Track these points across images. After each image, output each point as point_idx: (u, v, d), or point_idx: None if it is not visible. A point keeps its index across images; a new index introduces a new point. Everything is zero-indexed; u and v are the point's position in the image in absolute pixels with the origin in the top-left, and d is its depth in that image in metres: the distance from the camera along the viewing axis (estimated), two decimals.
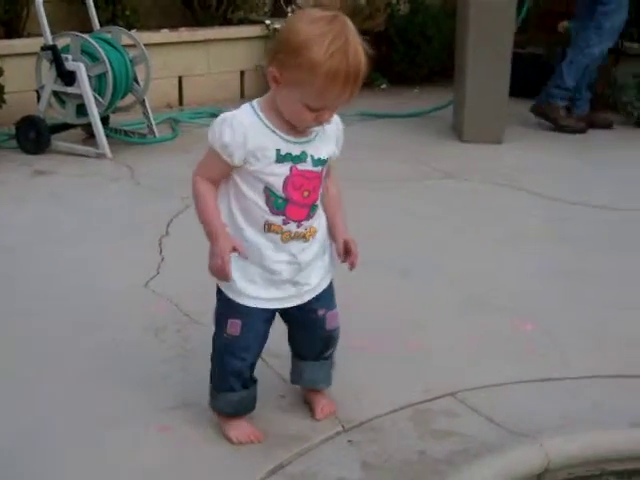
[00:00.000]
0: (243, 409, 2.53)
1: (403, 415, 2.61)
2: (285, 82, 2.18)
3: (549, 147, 5.91)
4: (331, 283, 2.52)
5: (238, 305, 2.39)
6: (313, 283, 2.45)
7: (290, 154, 2.28)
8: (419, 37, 7.48)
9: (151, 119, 5.82)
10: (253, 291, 2.39)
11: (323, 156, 2.34)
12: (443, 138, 6.08)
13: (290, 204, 2.32)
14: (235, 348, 2.43)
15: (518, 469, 2.41)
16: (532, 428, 2.55)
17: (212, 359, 2.52)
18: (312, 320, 2.50)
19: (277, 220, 2.33)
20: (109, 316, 3.27)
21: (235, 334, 2.41)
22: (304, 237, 2.38)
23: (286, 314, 2.49)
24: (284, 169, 2.28)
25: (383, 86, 7.47)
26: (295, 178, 2.30)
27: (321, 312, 2.50)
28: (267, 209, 2.31)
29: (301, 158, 2.30)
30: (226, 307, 2.43)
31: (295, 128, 2.28)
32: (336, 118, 2.36)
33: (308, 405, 2.66)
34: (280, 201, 2.31)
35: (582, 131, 6.25)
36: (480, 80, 5.82)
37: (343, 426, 2.57)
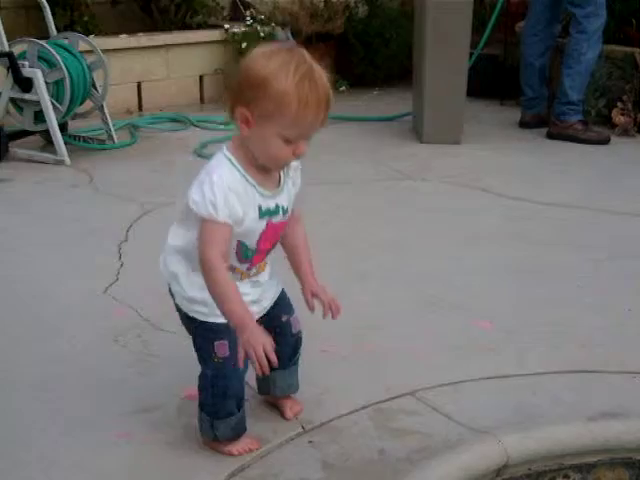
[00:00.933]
0: (242, 429, 2.47)
1: (363, 415, 2.62)
2: (257, 120, 2.17)
3: (507, 147, 5.95)
4: (283, 290, 2.55)
5: (220, 325, 2.34)
6: (269, 297, 2.50)
7: (268, 209, 2.30)
8: (378, 39, 7.51)
9: (110, 125, 5.80)
10: None
11: (288, 204, 2.37)
12: (402, 139, 6.11)
13: (257, 254, 2.35)
14: (229, 369, 2.37)
15: (477, 465, 2.43)
16: (491, 425, 2.57)
17: (204, 392, 2.43)
18: (279, 327, 2.50)
19: (242, 267, 2.36)
20: (68, 322, 3.25)
21: (225, 355, 2.35)
22: (261, 268, 2.43)
23: None
24: (262, 224, 2.30)
25: (342, 88, 7.49)
26: (269, 231, 2.32)
27: (284, 318, 2.53)
28: (235, 258, 2.32)
29: (276, 212, 2.33)
30: (208, 334, 2.37)
31: (267, 175, 2.29)
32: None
33: (274, 407, 2.66)
34: (250, 252, 2.33)
35: (606, 141, 6.06)
36: (438, 81, 5.84)
37: (303, 427, 2.58)
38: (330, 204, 4.58)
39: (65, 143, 5.45)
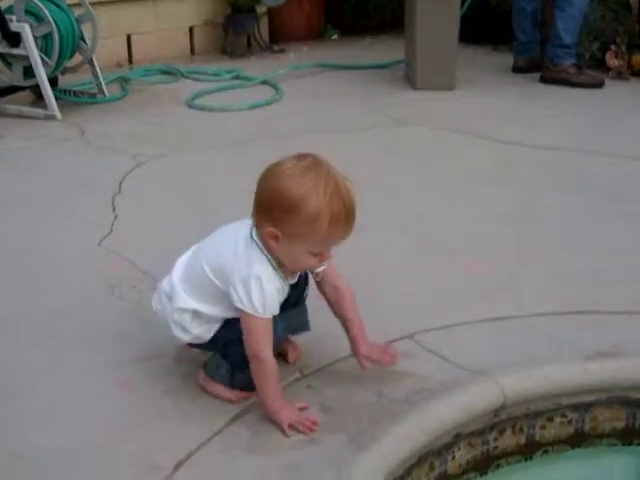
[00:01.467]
0: None
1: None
2: (285, 238, 2.22)
3: (501, 92, 5.91)
4: None
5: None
6: None
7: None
8: None
9: (100, 79, 5.75)
10: None
11: None
12: (395, 87, 6.06)
13: None
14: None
15: (475, 406, 2.44)
16: (488, 366, 2.58)
17: (232, 344, 2.40)
18: None
19: None
20: (63, 276, 3.25)
21: None
22: None
23: None
24: None
25: (334, 37, 7.43)
26: None
27: None
28: None
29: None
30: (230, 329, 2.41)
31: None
32: None
33: None
34: None
35: (600, 84, 6.01)
36: (430, 28, 5.79)
37: (302, 372, 2.58)
38: (325, 151, 4.54)
39: (55, 98, 5.40)
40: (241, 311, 2.29)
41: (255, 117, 5.40)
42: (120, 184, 4.17)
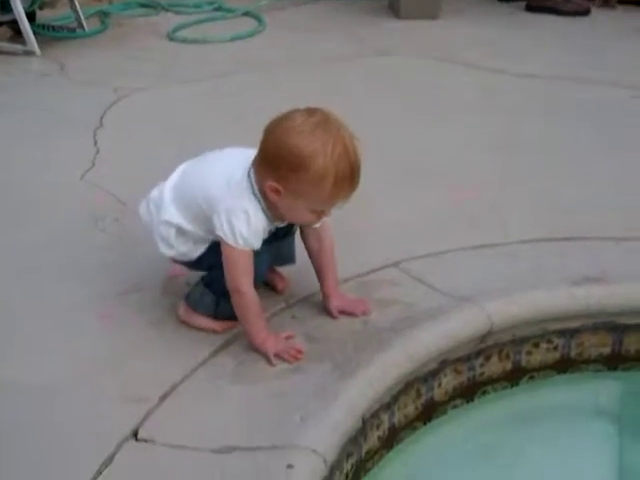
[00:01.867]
0: None
1: (346, 288, 2.60)
2: (288, 193, 2.19)
3: (486, 21, 5.84)
4: None
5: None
6: None
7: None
8: None
9: (79, 13, 5.63)
10: None
11: None
12: (379, 16, 5.98)
13: None
14: None
15: (461, 333, 2.43)
16: (474, 293, 2.57)
17: (215, 270, 2.37)
18: None
19: None
20: (45, 211, 3.21)
21: None
22: None
23: None
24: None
25: None
26: None
27: None
28: None
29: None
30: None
31: None
32: None
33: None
34: None
35: (586, 12, 5.95)
36: None
37: (287, 302, 2.57)
38: (308, 82, 4.50)
39: (34, 33, 5.28)
40: (222, 240, 2.27)
41: (237, 49, 5.32)
42: (101, 118, 4.12)
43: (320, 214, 2.29)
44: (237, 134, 3.81)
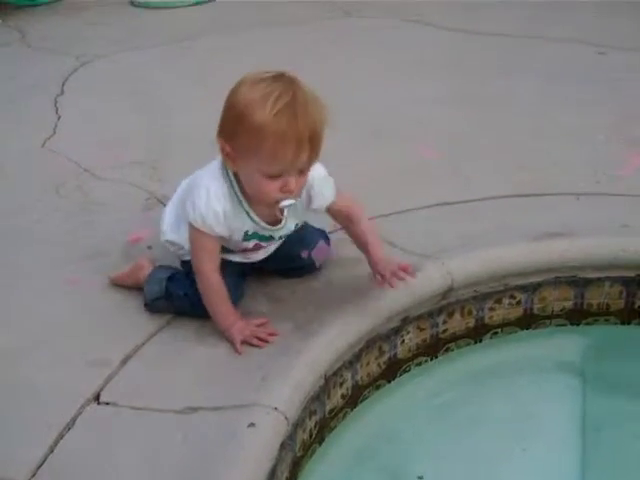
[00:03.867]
0: None
1: None
2: (237, 154, 2.08)
3: None
4: (305, 225, 2.44)
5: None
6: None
7: (257, 234, 2.27)
8: None
9: None
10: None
11: (292, 229, 2.33)
12: None
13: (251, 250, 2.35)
14: None
15: (422, 290, 2.44)
16: (436, 250, 2.57)
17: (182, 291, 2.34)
18: (299, 265, 2.47)
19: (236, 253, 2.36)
20: (7, 179, 3.21)
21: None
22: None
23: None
24: (248, 244, 2.29)
25: None
26: (255, 247, 2.33)
27: (304, 254, 2.44)
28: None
29: (268, 239, 2.30)
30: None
31: (269, 210, 2.22)
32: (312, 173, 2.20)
33: None
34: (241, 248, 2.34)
35: None
36: None
37: None
38: (274, 43, 4.48)
39: None
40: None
41: (201, 13, 5.29)
42: (63, 85, 4.10)
43: (280, 183, 2.08)
44: (201, 98, 3.82)
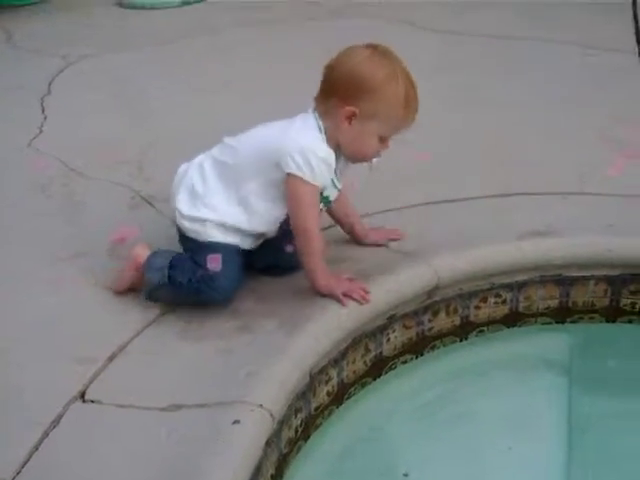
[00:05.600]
0: None
1: None
2: (362, 118, 2.26)
3: None
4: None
5: (218, 243, 2.33)
6: None
7: (327, 197, 2.38)
8: None
9: None
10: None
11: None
12: None
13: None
14: (216, 283, 2.31)
15: (408, 288, 2.44)
16: (422, 249, 2.58)
17: (181, 282, 2.34)
18: (281, 259, 2.49)
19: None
20: None
21: (216, 269, 2.31)
22: None
23: None
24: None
25: None
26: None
27: (289, 248, 2.45)
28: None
29: (328, 202, 2.42)
30: (201, 248, 2.34)
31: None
32: None
33: None
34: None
35: None
36: None
37: None
38: (261, 45, 4.48)
39: None
40: (292, 178, 2.25)
41: (188, 14, 5.28)
42: (49, 85, 4.09)
43: (383, 144, 2.34)
44: (187, 98, 3.82)
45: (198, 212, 2.34)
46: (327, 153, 2.27)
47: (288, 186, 2.27)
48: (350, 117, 2.27)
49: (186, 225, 2.37)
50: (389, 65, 2.30)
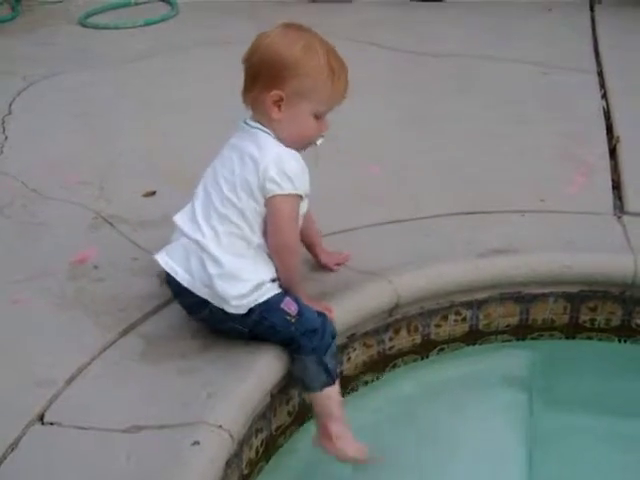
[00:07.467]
0: None
1: None
2: (290, 100, 2.17)
3: (400, 3, 5.85)
4: None
5: (277, 294, 2.24)
6: None
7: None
8: None
9: None
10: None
11: None
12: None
13: None
14: (307, 323, 2.22)
15: (368, 306, 2.45)
16: (382, 267, 2.59)
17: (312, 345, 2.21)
18: None
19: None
20: None
21: (296, 311, 2.22)
22: None
23: None
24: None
25: None
26: None
27: None
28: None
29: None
30: (269, 305, 2.21)
31: None
32: None
33: None
34: None
35: None
36: None
37: None
38: (224, 64, 4.46)
39: None
40: (272, 195, 2.17)
41: (150, 34, 5.27)
42: (10, 105, 4.06)
43: (320, 125, 2.24)
44: (148, 119, 3.82)
45: (245, 289, 2.19)
46: (290, 151, 2.21)
47: (268, 207, 2.19)
48: (278, 102, 2.17)
49: (244, 303, 2.20)
50: (305, 37, 2.19)
